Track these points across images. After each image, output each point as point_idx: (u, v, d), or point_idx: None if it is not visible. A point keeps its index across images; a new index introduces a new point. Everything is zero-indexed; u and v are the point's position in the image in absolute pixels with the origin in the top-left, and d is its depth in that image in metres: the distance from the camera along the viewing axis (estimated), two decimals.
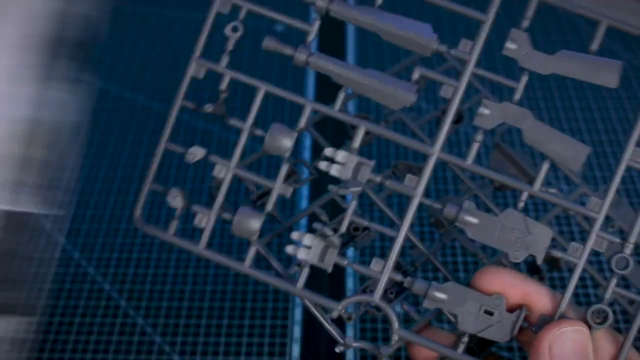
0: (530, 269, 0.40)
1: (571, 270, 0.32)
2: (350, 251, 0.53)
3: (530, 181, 0.40)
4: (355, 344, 0.32)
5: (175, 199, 0.34)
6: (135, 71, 0.68)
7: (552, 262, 0.39)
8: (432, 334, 0.35)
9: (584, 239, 0.45)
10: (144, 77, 0.67)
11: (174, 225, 0.34)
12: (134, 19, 0.72)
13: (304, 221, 0.52)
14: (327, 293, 0.33)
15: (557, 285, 0.46)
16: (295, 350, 0.47)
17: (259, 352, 0.46)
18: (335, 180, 0.33)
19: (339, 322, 0.45)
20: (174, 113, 0.34)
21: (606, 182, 0.51)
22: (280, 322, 0.47)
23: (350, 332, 0.48)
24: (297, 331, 0.48)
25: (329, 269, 0.33)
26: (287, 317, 0.31)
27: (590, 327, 0.31)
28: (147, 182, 0.34)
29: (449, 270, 0.37)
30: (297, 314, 0.48)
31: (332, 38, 0.68)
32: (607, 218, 0.40)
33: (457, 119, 0.42)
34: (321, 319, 0.34)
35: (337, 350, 0.33)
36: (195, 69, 0.34)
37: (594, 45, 0.32)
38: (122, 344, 0.47)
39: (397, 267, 0.35)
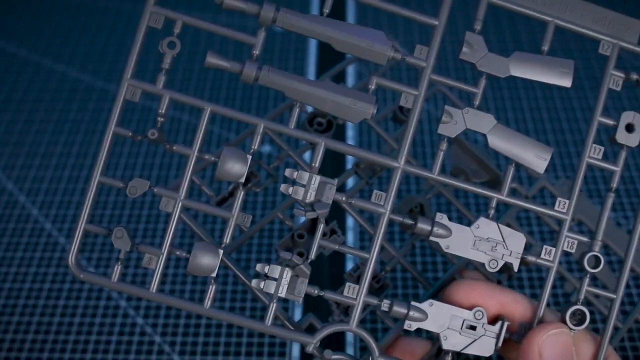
0: (500, 269, 0.39)
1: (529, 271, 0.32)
2: (350, 236, 0.52)
3: (491, 174, 0.40)
4: (334, 357, 0.30)
5: (120, 240, 0.30)
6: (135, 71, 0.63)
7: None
8: (407, 345, 0.33)
9: (542, 232, 0.45)
10: (144, 77, 0.62)
11: (117, 269, 0.30)
12: (133, 19, 0.70)
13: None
14: (327, 277, 0.31)
15: (533, 273, 0.47)
16: (295, 350, 0.46)
17: (259, 352, 0.46)
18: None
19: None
20: (106, 142, 0.30)
21: (565, 170, 0.53)
22: (280, 322, 0.45)
23: (349, 333, 0.46)
24: None
25: (299, 300, 0.30)
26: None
27: (569, 329, 0.31)
28: (81, 222, 0.30)
29: (419, 271, 0.36)
30: (297, 314, 0.47)
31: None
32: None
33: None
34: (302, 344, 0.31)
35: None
36: (128, 91, 0.30)
37: (545, 46, 0.32)
38: (122, 344, 0.46)
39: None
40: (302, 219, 0.35)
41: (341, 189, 0.38)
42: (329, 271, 0.48)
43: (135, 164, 0.58)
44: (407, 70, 0.61)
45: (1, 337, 0.47)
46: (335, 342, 0.33)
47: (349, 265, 0.50)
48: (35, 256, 0.51)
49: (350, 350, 0.46)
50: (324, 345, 0.31)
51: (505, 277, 0.39)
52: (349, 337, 0.46)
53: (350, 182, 0.51)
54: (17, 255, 0.51)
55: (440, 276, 0.47)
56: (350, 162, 0.55)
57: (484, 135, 0.31)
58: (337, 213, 0.46)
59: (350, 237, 0.51)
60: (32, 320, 0.48)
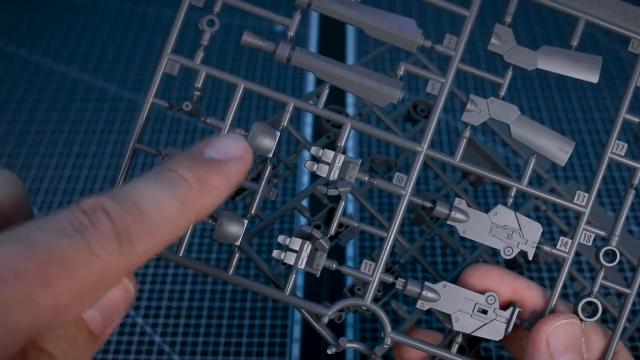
0: (509, 264, 0.40)
1: (544, 265, 0.32)
2: (350, 250, 0.52)
3: (502, 174, 0.40)
4: (349, 345, 0.31)
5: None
6: (135, 71, 0.66)
7: (526, 257, 0.39)
8: (419, 334, 0.34)
9: (552, 232, 0.45)
10: (144, 77, 0.66)
11: None
12: (133, 19, 0.71)
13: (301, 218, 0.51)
14: (327, 278, 0.32)
15: (543, 273, 0.47)
16: (295, 350, 0.46)
17: (259, 352, 0.46)
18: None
19: (339, 323, 0.44)
20: (145, 111, 0.32)
21: (583, 170, 0.53)
22: (280, 322, 0.46)
23: (350, 332, 0.47)
24: (297, 331, 0.47)
25: (318, 273, 0.32)
26: (287, 317, 0.30)
27: (580, 320, 0.31)
28: (119, 183, 0.32)
29: (429, 265, 0.37)
30: (297, 314, 0.47)
31: (332, 38, 0.68)
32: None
33: (428, 114, 0.42)
34: (312, 321, 0.32)
35: (329, 351, 0.32)
36: (168, 65, 0.32)
37: (574, 41, 0.33)
38: (122, 344, 0.46)
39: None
40: (320, 212, 0.36)
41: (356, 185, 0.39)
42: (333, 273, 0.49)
43: (175, 140, 0.59)
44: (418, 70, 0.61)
45: None
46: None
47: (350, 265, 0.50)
48: None
49: (350, 352, 0.47)
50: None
51: (517, 272, 0.39)
52: (349, 336, 0.46)
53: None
54: None
55: (450, 275, 0.47)
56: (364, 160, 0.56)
57: (507, 126, 0.32)
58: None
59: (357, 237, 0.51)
60: None
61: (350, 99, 0.60)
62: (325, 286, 0.48)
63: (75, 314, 0.23)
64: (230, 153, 0.27)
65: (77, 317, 0.24)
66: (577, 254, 0.39)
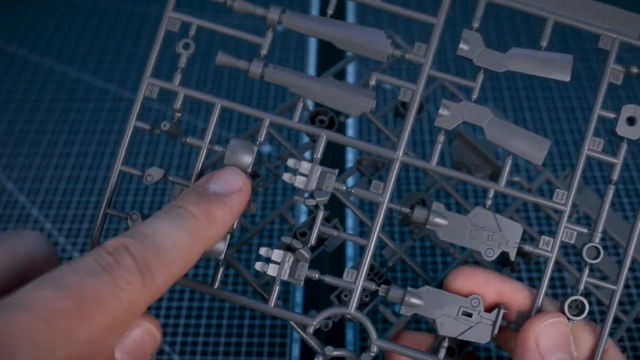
0: (501, 262, 0.40)
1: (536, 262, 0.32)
2: (350, 221, 0.52)
3: (494, 169, 0.40)
4: (335, 353, 0.31)
5: (135, 223, 0.32)
6: (135, 71, 0.67)
7: (523, 254, 0.39)
8: (409, 338, 0.34)
9: (550, 225, 0.45)
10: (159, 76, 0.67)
11: None
12: (133, 19, 0.72)
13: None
14: (325, 284, 0.32)
15: (533, 273, 0.46)
16: (295, 350, 0.46)
17: (259, 352, 0.46)
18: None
19: (339, 323, 0.44)
20: (127, 135, 0.33)
21: (565, 169, 0.53)
22: (280, 322, 0.47)
23: (350, 332, 0.47)
24: None
25: (300, 284, 0.32)
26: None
27: (567, 319, 0.31)
28: (103, 207, 0.33)
29: (427, 271, 0.37)
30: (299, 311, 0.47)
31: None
32: (574, 205, 0.41)
33: (418, 110, 0.42)
34: (299, 331, 0.33)
35: None
36: (147, 88, 0.33)
37: (544, 42, 0.33)
38: None
39: (371, 269, 0.35)
40: (302, 220, 0.36)
41: None
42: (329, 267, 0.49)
43: (155, 152, 0.59)
44: (407, 70, 0.60)
45: None
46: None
47: (349, 266, 0.51)
48: None
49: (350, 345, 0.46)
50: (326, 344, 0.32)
51: (507, 270, 0.39)
52: (349, 336, 0.46)
53: (351, 180, 0.52)
54: None
55: (439, 275, 0.47)
56: (350, 163, 0.56)
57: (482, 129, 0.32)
58: (338, 212, 0.47)
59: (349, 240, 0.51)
60: None
61: None
62: (324, 291, 0.48)
63: (108, 344, 0.26)
64: (232, 186, 0.30)
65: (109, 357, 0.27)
66: (572, 246, 0.38)
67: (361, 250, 0.51)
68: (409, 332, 0.35)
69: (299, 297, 0.49)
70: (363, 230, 0.52)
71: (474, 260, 0.38)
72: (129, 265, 0.26)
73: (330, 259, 0.48)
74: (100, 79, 0.66)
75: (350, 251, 0.51)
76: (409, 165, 0.36)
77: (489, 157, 0.40)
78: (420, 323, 0.45)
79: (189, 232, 0.28)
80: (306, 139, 0.41)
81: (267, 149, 0.58)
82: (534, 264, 0.39)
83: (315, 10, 0.70)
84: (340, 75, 0.39)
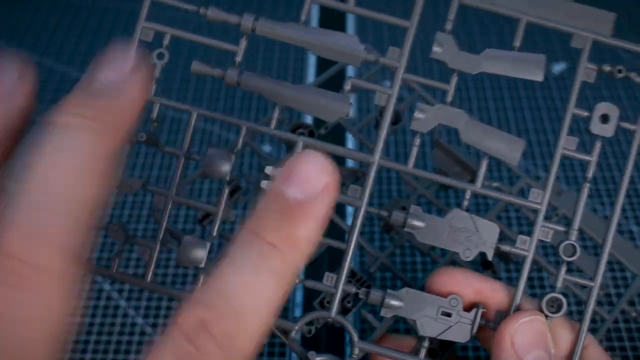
0: (483, 265, 0.40)
1: (519, 262, 0.32)
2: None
3: (474, 176, 0.41)
4: (318, 358, 0.32)
5: (115, 234, 0.33)
6: None
7: (503, 256, 0.39)
8: (393, 341, 0.34)
9: (531, 225, 0.46)
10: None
11: (117, 262, 0.33)
12: (133, 19, 0.71)
13: None
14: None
15: (513, 276, 0.47)
16: None
17: (259, 352, 0.46)
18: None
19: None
20: None
21: (546, 170, 0.53)
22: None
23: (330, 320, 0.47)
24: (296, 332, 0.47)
25: None
26: (287, 317, 0.31)
27: (546, 316, 0.32)
28: None
29: (407, 271, 0.37)
30: (297, 314, 0.48)
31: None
32: (554, 208, 0.41)
33: (395, 120, 0.42)
34: (281, 335, 0.33)
35: None
36: None
37: (517, 42, 0.33)
38: (122, 344, 0.46)
39: (352, 275, 0.35)
40: None
41: None
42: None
43: (135, 164, 0.59)
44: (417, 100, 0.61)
45: None
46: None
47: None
48: None
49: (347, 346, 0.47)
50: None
51: (489, 274, 0.39)
52: (347, 337, 0.47)
53: None
54: None
55: (420, 276, 0.47)
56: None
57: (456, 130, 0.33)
58: None
59: None
60: None
61: None
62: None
63: None
64: (315, 185, 0.24)
65: None
66: (552, 247, 0.38)
67: (363, 255, 0.52)
68: (392, 335, 0.35)
69: (299, 296, 0.49)
70: (362, 231, 0.52)
71: (457, 263, 0.39)
72: (211, 350, 0.22)
73: (329, 263, 0.48)
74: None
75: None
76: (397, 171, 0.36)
77: (468, 164, 0.40)
78: (408, 324, 0.45)
79: (273, 274, 0.23)
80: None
81: (267, 148, 0.57)
82: (514, 263, 0.40)
83: (314, 17, 0.70)
84: (339, 78, 0.38)
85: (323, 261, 0.43)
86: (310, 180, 0.24)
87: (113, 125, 0.24)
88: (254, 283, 0.23)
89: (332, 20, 0.68)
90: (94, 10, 0.73)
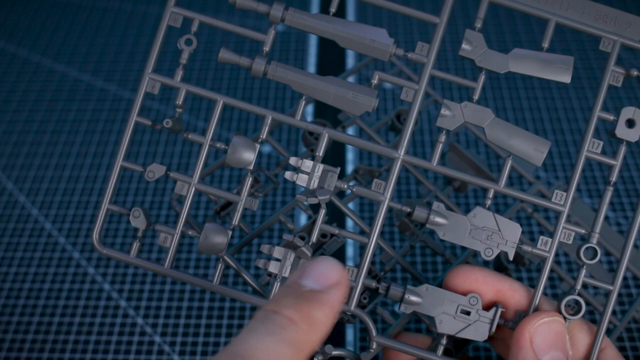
0: (496, 267, 0.40)
1: (528, 265, 0.32)
2: (350, 222, 0.52)
3: (486, 178, 0.41)
4: (334, 352, 0.32)
5: (138, 219, 0.32)
6: (135, 71, 0.67)
7: (516, 259, 0.39)
8: (407, 339, 0.34)
9: (542, 232, 0.46)
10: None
11: (136, 246, 0.33)
12: (133, 19, 0.72)
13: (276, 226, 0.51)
14: None
15: (523, 276, 0.47)
16: None
17: None
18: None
19: (339, 324, 0.44)
20: (129, 130, 0.33)
21: (565, 170, 0.53)
22: None
23: (350, 332, 0.47)
24: None
25: None
26: None
27: (564, 318, 0.32)
28: (104, 203, 0.33)
29: (419, 271, 0.37)
30: None
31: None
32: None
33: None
34: None
35: None
36: (149, 84, 0.33)
37: (545, 43, 0.33)
38: (122, 344, 0.46)
39: (369, 272, 0.35)
40: (303, 223, 0.37)
41: (342, 194, 0.40)
42: None
43: (155, 152, 0.59)
44: (398, 75, 0.60)
45: (1, 337, 0.47)
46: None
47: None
48: (35, 256, 0.51)
49: (350, 344, 0.46)
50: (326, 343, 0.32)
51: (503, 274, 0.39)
52: (349, 337, 0.47)
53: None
54: (17, 255, 0.52)
55: (439, 276, 0.47)
56: (349, 168, 0.56)
57: (482, 129, 0.33)
58: (337, 216, 0.47)
59: (349, 241, 0.51)
60: (32, 320, 0.48)
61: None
62: None
63: None
64: (328, 280, 0.27)
65: None
66: (565, 254, 0.39)
67: (361, 249, 0.52)
68: (407, 333, 0.35)
69: None
70: (363, 232, 0.52)
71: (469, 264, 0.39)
72: None
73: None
74: (100, 79, 0.66)
75: (350, 251, 0.51)
76: (409, 170, 0.36)
77: (481, 167, 0.40)
78: (420, 323, 0.45)
79: (291, 344, 0.25)
80: (304, 149, 0.41)
81: (267, 148, 0.57)
82: (524, 267, 0.40)
83: (315, 7, 0.69)
84: (340, 72, 0.39)
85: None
86: (324, 276, 0.27)
87: (311, 330, 0.26)
88: (274, 350, 0.25)
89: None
90: (94, 10, 0.73)
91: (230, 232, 0.32)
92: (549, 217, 0.49)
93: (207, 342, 0.46)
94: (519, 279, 0.39)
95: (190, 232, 0.33)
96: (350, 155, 0.57)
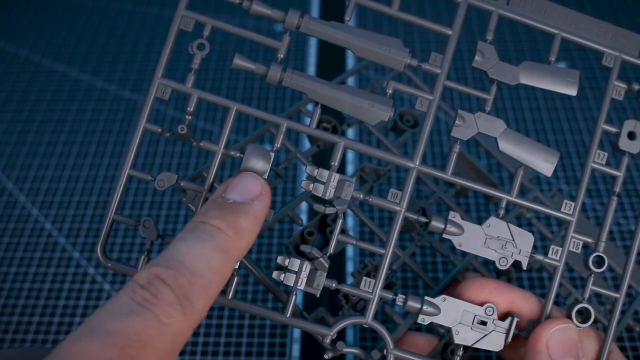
0: (497, 271, 0.40)
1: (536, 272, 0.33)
2: (350, 220, 0.52)
3: (488, 183, 0.41)
4: (345, 350, 0.31)
5: (148, 230, 0.31)
6: (135, 71, 0.66)
7: (514, 264, 0.40)
8: (415, 338, 0.35)
9: (543, 239, 0.46)
10: (144, 76, 0.65)
11: (143, 260, 0.31)
12: (134, 19, 0.71)
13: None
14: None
15: (525, 285, 0.48)
16: (295, 350, 0.46)
17: (259, 352, 0.45)
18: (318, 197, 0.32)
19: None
20: (137, 137, 0.32)
21: (568, 182, 0.54)
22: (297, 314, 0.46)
23: (350, 332, 0.47)
24: (297, 331, 0.47)
25: (318, 293, 0.32)
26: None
27: (575, 325, 0.32)
28: (110, 213, 0.31)
29: (421, 271, 0.37)
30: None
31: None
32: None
33: (414, 124, 0.43)
34: (318, 339, 0.32)
35: (326, 357, 0.32)
36: (159, 89, 0.32)
37: (552, 57, 0.34)
38: None
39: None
40: (303, 222, 0.36)
41: None
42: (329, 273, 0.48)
43: (155, 152, 0.59)
44: (408, 82, 0.61)
45: (1, 337, 0.46)
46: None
47: (349, 266, 0.51)
48: (35, 256, 0.51)
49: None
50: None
51: (504, 279, 0.40)
52: (349, 336, 0.46)
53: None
54: (17, 255, 0.52)
55: (439, 276, 0.48)
56: (349, 168, 0.57)
57: (495, 139, 0.33)
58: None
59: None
60: (32, 320, 0.48)
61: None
62: (325, 290, 0.47)
63: None
64: (251, 192, 0.29)
65: None
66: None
67: (363, 255, 0.51)
68: (413, 333, 0.35)
69: (299, 295, 0.49)
70: (362, 230, 0.52)
71: (474, 268, 0.39)
72: (167, 297, 0.25)
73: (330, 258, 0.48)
74: (100, 79, 0.65)
75: (350, 251, 0.51)
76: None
77: (484, 172, 0.41)
78: (419, 323, 0.45)
79: (219, 249, 0.27)
80: (308, 145, 0.41)
81: (267, 147, 0.56)
82: (535, 271, 0.40)
83: (315, 8, 0.69)
84: (340, 73, 0.38)
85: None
86: (247, 189, 0.29)
87: (238, 236, 0.28)
88: (204, 253, 0.27)
89: (331, 9, 0.70)
90: (94, 10, 0.73)
91: (272, 156, 0.31)
92: (550, 224, 0.51)
93: (207, 342, 0.46)
94: (508, 281, 0.40)
95: None
96: (350, 155, 0.58)
